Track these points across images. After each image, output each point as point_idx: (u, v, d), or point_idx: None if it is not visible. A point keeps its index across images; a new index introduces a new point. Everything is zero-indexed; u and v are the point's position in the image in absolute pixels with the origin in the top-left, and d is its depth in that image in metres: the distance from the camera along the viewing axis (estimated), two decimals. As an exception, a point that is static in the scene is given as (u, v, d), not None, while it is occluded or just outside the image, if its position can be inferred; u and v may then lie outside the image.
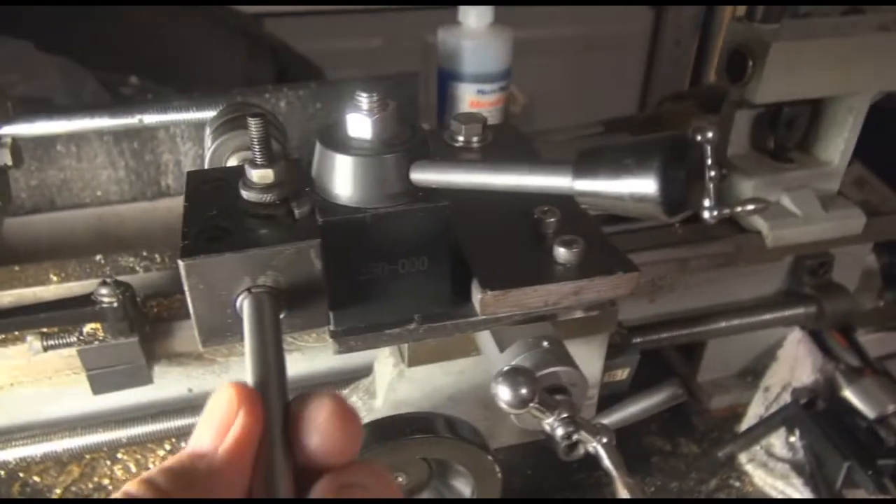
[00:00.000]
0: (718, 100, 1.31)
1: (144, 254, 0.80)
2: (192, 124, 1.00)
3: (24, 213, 1.00)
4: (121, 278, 0.77)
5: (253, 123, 0.40)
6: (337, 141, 0.42)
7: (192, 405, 0.74)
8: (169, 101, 0.93)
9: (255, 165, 0.41)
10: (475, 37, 1.18)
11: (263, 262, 0.39)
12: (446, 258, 0.45)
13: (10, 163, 0.59)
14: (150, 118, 0.62)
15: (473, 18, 1.17)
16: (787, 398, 0.93)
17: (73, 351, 0.65)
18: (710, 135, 0.75)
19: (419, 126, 0.44)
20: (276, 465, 0.30)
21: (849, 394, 0.89)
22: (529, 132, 1.36)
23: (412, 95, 1.08)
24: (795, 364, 0.96)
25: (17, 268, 0.78)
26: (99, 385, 0.64)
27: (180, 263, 0.38)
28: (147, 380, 0.67)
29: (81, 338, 0.63)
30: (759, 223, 0.83)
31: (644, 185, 0.31)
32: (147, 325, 0.67)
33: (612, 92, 2.91)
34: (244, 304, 0.39)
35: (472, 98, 1.21)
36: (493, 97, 1.22)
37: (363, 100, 0.41)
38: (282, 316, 0.41)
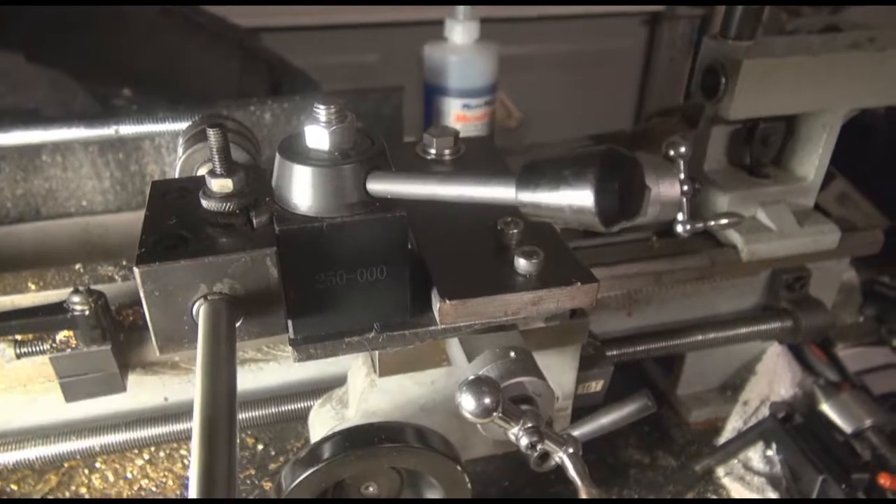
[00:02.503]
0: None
1: (124, 263, 0.81)
2: (177, 135, 1.01)
3: (9, 223, 1.01)
4: (99, 286, 0.78)
5: (212, 134, 0.41)
6: (295, 152, 0.43)
7: (168, 414, 0.74)
8: (152, 113, 0.94)
9: (214, 175, 0.42)
10: (461, 52, 1.20)
11: (219, 269, 0.40)
12: (405, 267, 0.45)
13: (-14, 172, 0.60)
14: (127, 129, 0.63)
15: (459, 34, 1.19)
16: (765, 412, 0.93)
17: (46, 359, 0.65)
18: (682, 149, 0.77)
19: (378, 137, 0.44)
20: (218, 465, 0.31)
21: (826, 408, 0.90)
22: (523, 146, 1.38)
23: (397, 109, 1.09)
24: (774, 378, 0.96)
25: (-5, 276, 0.78)
26: (72, 392, 0.65)
27: (136, 270, 0.38)
28: (120, 388, 0.67)
29: (54, 345, 0.63)
30: (735, 237, 0.83)
31: (581, 197, 0.31)
32: (121, 333, 0.68)
33: (608, 107, 2.93)
34: (200, 311, 0.40)
35: (457, 112, 1.22)
36: (478, 111, 1.23)
37: (321, 111, 0.42)
38: (238, 323, 0.42)
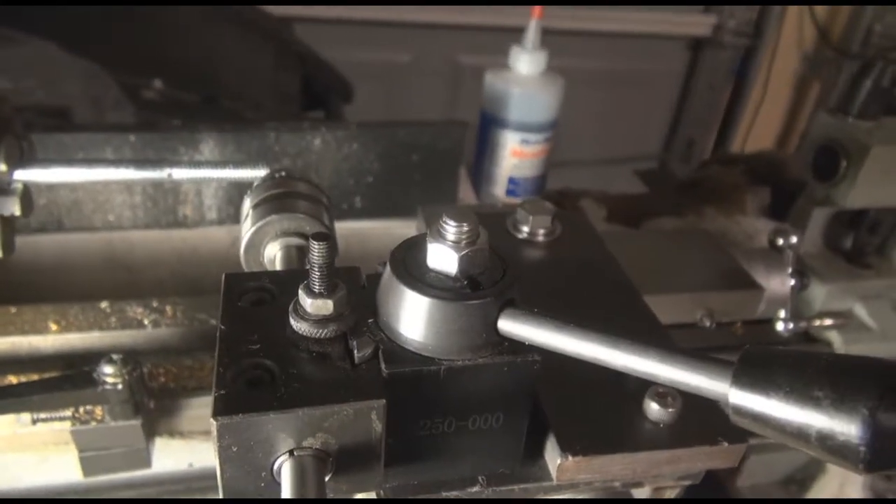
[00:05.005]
0: (772, 170, 1.24)
1: (155, 304, 0.73)
2: (218, 151, 0.93)
3: (29, 233, 0.93)
4: (126, 332, 0.70)
5: (316, 247, 0.33)
6: (412, 272, 0.34)
7: (192, 486, 0.66)
8: (197, 130, 0.86)
9: (311, 294, 0.34)
10: (524, 84, 1.11)
11: (314, 423, 0.32)
12: (526, 416, 0.37)
13: (17, 212, 0.52)
14: (181, 172, 0.55)
15: (525, 65, 1.10)
16: (834, 517, 0.85)
17: (66, 424, 0.57)
18: (793, 240, 0.68)
19: (509, 260, 0.36)
20: None
21: (905, 523, 0.82)
22: (553, 161, 1.28)
23: (457, 144, 1.01)
24: (846, 480, 0.88)
25: (13, 310, 0.70)
26: (91, 467, 0.57)
27: (213, 423, 0.30)
28: (145, 464, 0.59)
29: (77, 415, 0.55)
30: (832, 335, 0.75)
31: (843, 429, 0.23)
32: (152, 401, 0.60)
33: (640, 127, 2.86)
34: (283, 468, 0.32)
35: (514, 147, 1.14)
36: (536, 147, 1.15)
37: (450, 229, 0.33)
38: (327, 479, 0.34)
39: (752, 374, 0.26)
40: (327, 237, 0.33)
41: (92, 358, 0.57)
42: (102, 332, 0.69)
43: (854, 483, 0.88)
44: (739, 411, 0.26)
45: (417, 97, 2.63)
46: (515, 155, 1.15)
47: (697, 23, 2.67)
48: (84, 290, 0.94)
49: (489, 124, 1.15)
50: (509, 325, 0.33)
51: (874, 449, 0.23)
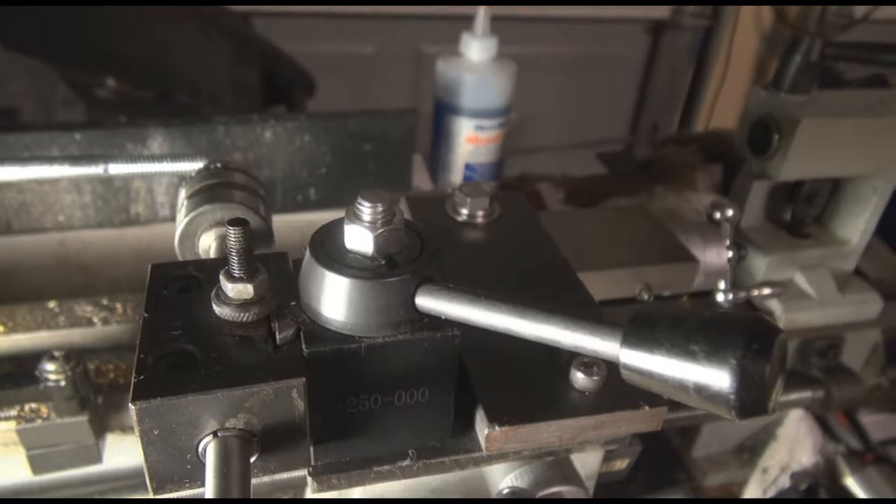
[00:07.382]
0: (724, 147, 1.26)
1: (104, 302, 0.72)
2: (167, 146, 0.93)
3: (-24, 236, 0.91)
4: (75, 331, 0.70)
5: (233, 232, 0.33)
6: (331, 254, 0.35)
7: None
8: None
9: (231, 278, 0.35)
10: (476, 71, 1.12)
11: (235, 403, 0.32)
12: (451, 389, 0.38)
13: (-50, 213, 0.51)
14: (117, 168, 0.55)
15: (476, 51, 1.11)
16: (785, 481, 0.88)
17: (11, 424, 0.57)
18: (729, 213, 0.70)
19: (428, 236, 0.37)
20: None
21: (851, 482, 0.85)
22: (518, 148, 1.29)
23: (409, 132, 1.01)
24: (795, 445, 0.91)
25: (-42, 313, 0.70)
26: (40, 465, 0.57)
27: (132, 407, 0.31)
28: (95, 459, 0.59)
29: (22, 414, 0.55)
30: (773, 304, 0.78)
31: (715, 379, 0.25)
32: (100, 397, 0.60)
33: (605, 113, 2.88)
34: (208, 450, 0.33)
35: (469, 133, 1.15)
36: (491, 133, 1.16)
37: (365, 210, 0.34)
38: (253, 459, 0.34)
39: (638, 333, 0.27)
40: (243, 222, 0.33)
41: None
42: (51, 332, 0.68)
43: (804, 447, 0.91)
44: (628, 368, 0.28)
45: (382, 88, 2.62)
46: (470, 141, 1.16)
47: (656, 5, 2.69)
48: (38, 292, 0.93)
49: (443, 112, 1.16)
50: (426, 301, 0.35)
51: (742, 396, 0.25)
